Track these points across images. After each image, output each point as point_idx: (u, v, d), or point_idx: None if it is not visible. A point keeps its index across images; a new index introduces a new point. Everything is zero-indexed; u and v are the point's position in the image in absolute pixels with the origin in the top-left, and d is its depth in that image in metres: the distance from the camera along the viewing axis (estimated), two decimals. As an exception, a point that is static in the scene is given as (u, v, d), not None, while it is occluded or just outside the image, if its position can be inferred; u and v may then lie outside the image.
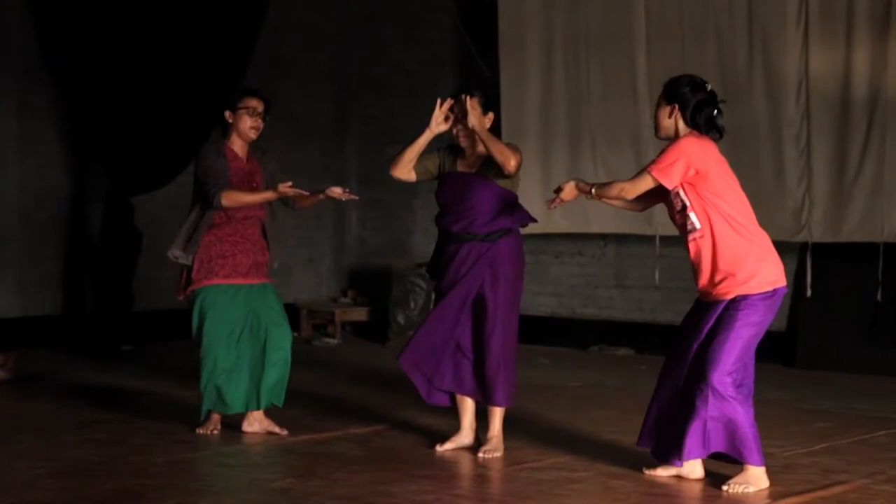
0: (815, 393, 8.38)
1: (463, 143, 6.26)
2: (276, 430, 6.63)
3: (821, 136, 9.21)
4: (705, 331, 5.50)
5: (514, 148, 6.15)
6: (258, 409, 6.60)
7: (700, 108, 5.53)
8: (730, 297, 5.44)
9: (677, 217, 5.57)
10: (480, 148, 6.19)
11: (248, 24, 10.32)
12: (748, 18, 9.48)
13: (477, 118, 6.10)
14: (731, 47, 9.54)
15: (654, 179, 5.49)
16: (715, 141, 5.56)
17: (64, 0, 9.75)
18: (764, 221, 5.72)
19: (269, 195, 6.49)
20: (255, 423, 6.64)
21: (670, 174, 5.46)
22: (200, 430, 6.64)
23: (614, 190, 5.65)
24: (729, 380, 5.39)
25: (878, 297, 9.05)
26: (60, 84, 10.02)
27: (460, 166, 6.29)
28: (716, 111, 5.55)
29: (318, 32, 11.98)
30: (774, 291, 5.46)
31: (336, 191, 6.45)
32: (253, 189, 6.60)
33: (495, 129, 6.39)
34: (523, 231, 6.43)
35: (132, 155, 9.94)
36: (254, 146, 6.77)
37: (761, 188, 8.89)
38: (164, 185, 10.16)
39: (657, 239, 9.87)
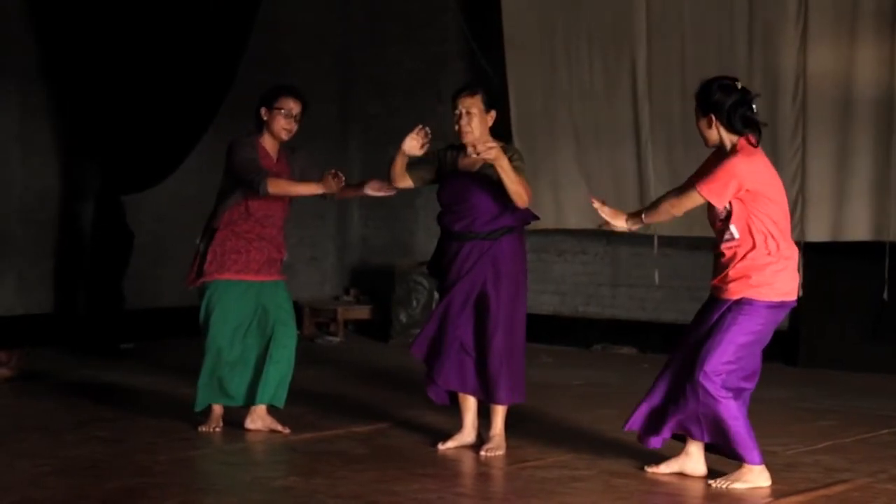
0: (817, 391, 8.38)
1: (465, 140, 6.23)
2: (279, 428, 6.62)
3: (818, 134, 9.17)
4: (706, 328, 5.49)
5: (522, 173, 6.07)
6: (255, 404, 6.59)
7: (734, 109, 5.39)
8: (736, 297, 5.41)
9: (718, 223, 5.51)
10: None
11: (239, 25, 10.28)
12: (749, 17, 9.47)
13: (499, 155, 5.92)
14: (731, 46, 9.53)
15: (703, 198, 5.42)
16: (756, 140, 5.43)
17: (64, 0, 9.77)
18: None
19: (315, 188, 6.35)
20: (258, 420, 6.63)
21: (721, 195, 5.37)
22: (203, 428, 6.63)
23: (663, 211, 5.61)
24: (718, 380, 5.36)
25: (885, 295, 9.04)
26: (57, 83, 10.02)
27: (462, 165, 6.26)
28: (751, 109, 5.42)
29: (320, 32, 11.98)
30: (782, 303, 5.42)
31: (375, 186, 6.41)
32: None
33: (499, 128, 6.36)
34: (532, 227, 6.41)
35: (125, 154, 9.92)
36: (283, 144, 6.68)
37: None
38: (156, 184, 10.16)
39: (655, 238, 9.89)
